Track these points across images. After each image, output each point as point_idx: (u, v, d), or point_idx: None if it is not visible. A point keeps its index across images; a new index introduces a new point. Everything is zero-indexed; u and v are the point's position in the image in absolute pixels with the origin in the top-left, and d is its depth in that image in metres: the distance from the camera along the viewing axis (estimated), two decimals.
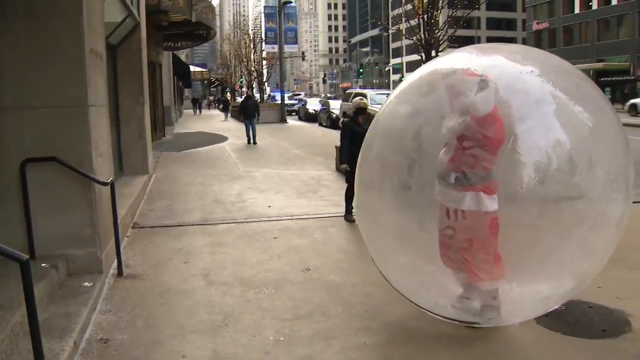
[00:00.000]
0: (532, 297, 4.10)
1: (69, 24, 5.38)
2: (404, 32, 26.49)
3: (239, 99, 52.17)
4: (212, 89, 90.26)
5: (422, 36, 23.87)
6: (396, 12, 39.51)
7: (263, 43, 54.84)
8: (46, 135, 5.39)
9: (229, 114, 43.65)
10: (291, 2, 46.14)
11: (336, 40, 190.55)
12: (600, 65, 54.86)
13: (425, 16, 23.65)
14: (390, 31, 66.31)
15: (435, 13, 23.74)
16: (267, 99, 61.21)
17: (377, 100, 22.22)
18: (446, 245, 4.07)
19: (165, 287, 5.57)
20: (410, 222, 4.39)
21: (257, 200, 9.87)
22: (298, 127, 31.51)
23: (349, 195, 8.01)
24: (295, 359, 4.07)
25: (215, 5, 32.64)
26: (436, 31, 24.04)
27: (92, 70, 5.67)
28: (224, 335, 4.44)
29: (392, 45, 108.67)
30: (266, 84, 69.10)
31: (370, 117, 6.14)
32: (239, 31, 70.99)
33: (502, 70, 4.06)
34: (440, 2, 24.02)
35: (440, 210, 4.05)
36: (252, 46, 62.45)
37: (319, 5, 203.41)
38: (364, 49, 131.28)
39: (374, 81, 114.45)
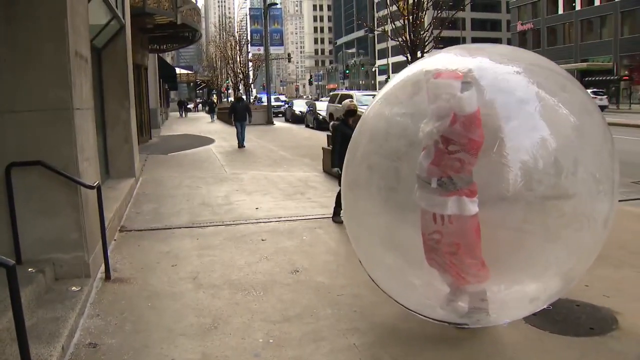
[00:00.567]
0: (520, 298, 4.11)
1: (53, 25, 5.33)
2: (389, 33, 26.50)
3: (226, 101, 52.03)
4: (198, 91, 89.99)
5: (408, 37, 23.93)
6: (381, 13, 39.54)
7: (249, 45, 54.74)
8: (31, 139, 5.34)
9: (215, 116, 43.55)
10: (276, 4, 46.19)
11: (322, 41, 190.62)
12: (584, 65, 55.43)
13: (411, 17, 23.70)
14: (376, 32, 66.41)
15: (420, 14, 23.80)
16: (254, 100, 61.03)
17: (363, 102, 22.37)
18: (433, 250, 4.06)
19: (153, 290, 5.54)
20: (397, 224, 4.40)
21: (244, 202, 9.86)
22: (285, 128, 31.49)
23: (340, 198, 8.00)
24: None
25: (200, 7, 32.53)
26: (421, 32, 24.12)
27: (76, 73, 5.63)
28: (213, 338, 4.43)
29: (378, 47, 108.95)
30: (252, 85, 69.04)
31: (359, 118, 6.15)
32: (224, 33, 70.93)
33: (487, 70, 4.03)
34: (426, 3, 24.07)
35: (424, 215, 4.03)
36: (237, 48, 62.38)
37: (305, 7, 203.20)
38: (350, 51, 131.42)
39: (360, 82, 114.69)
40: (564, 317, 4.58)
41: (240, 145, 20.04)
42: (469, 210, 3.83)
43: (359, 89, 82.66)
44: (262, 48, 44.40)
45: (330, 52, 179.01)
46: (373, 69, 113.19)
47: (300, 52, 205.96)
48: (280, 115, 43.98)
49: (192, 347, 4.28)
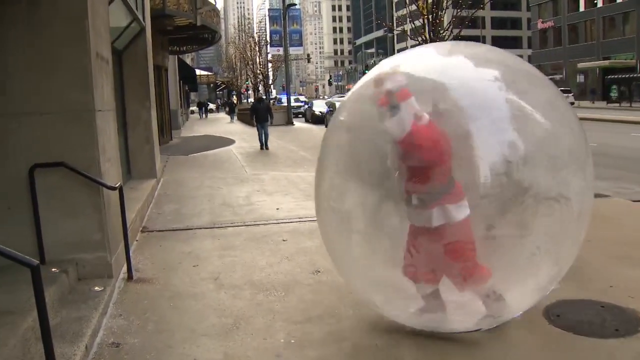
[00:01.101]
0: (523, 291, 4.12)
1: (74, 28, 5.37)
2: (408, 33, 26.36)
3: (246, 102, 52.23)
4: (218, 92, 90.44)
5: (427, 37, 23.78)
6: (400, 13, 39.43)
7: (268, 46, 54.91)
8: (54, 141, 5.39)
9: (236, 117, 43.72)
10: (295, 5, 46.26)
11: (341, 42, 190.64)
12: (606, 63, 54.73)
13: (430, 16, 23.56)
14: (395, 32, 66.17)
15: (439, 13, 23.67)
16: (274, 101, 61.23)
17: None
18: (433, 262, 4.06)
19: (175, 291, 5.56)
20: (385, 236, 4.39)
21: (265, 202, 9.86)
22: (305, 129, 31.51)
23: None
24: None
25: (219, 8, 32.69)
26: (441, 31, 23.96)
27: (98, 75, 5.67)
28: (235, 338, 4.43)
29: (397, 46, 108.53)
30: (272, 86, 69.22)
31: None
32: (243, 34, 71.24)
33: (456, 71, 4.05)
34: (445, 2, 23.90)
35: (415, 231, 4.03)
36: (257, 49, 62.62)
37: (323, 7, 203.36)
38: (369, 50, 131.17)
39: None
40: (589, 319, 4.50)
41: (263, 147, 19.58)
42: (455, 217, 3.82)
43: None
44: (281, 49, 44.58)
45: (350, 52, 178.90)
46: None
47: (320, 53, 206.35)
48: (300, 115, 44.00)
49: (214, 347, 4.28)
